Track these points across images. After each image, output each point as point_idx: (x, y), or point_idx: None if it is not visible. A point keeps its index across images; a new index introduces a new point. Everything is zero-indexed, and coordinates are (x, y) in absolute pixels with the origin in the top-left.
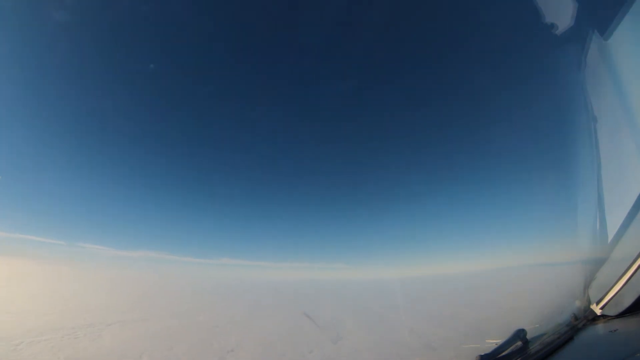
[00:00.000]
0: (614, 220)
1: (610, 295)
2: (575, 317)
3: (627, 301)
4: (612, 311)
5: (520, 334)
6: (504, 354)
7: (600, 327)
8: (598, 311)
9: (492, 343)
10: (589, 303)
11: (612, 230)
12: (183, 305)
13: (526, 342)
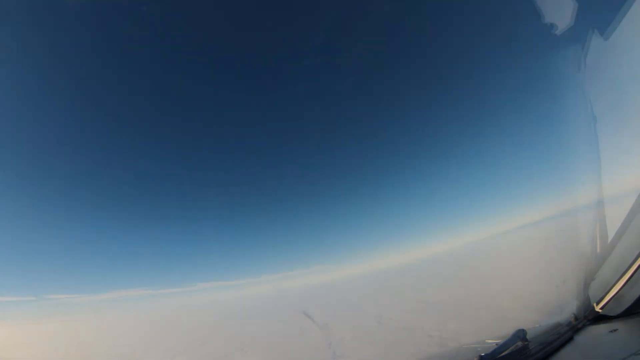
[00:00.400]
0: (614, 220)
1: (610, 295)
2: (575, 317)
3: (627, 301)
4: (612, 311)
5: (520, 334)
6: (504, 354)
7: (600, 327)
8: (598, 311)
9: (492, 343)
10: (589, 303)
11: (612, 230)
12: (156, 348)
13: (526, 342)
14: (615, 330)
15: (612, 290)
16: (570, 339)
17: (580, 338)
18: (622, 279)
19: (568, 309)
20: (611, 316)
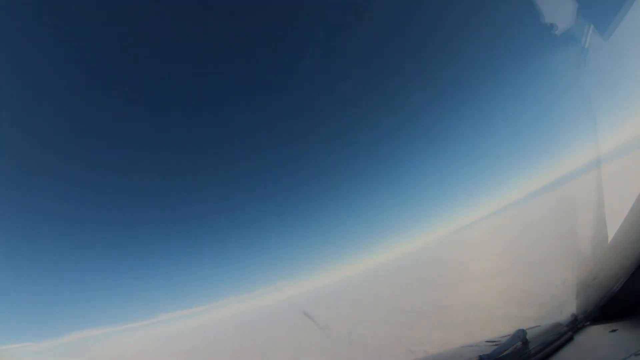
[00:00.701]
0: (614, 220)
1: (610, 295)
2: (575, 317)
3: (627, 301)
4: (612, 311)
5: (520, 334)
6: (504, 354)
7: (600, 327)
8: (598, 311)
9: (492, 343)
10: (589, 303)
11: (611, 230)
12: None
13: (526, 342)
14: (615, 330)
15: (612, 290)
16: (570, 339)
17: (580, 338)
18: (622, 279)
19: (568, 309)
20: (611, 316)
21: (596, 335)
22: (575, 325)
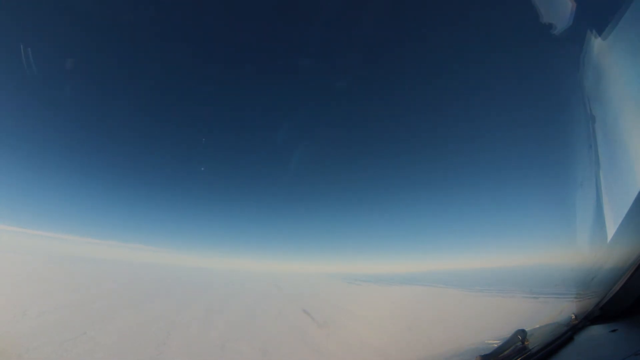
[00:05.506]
0: (613, 220)
1: (610, 295)
2: (575, 317)
3: (627, 301)
4: (612, 311)
5: (520, 334)
6: (504, 354)
7: (600, 327)
8: (598, 311)
9: (492, 343)
10: (589, 303)
11: (611, 230)
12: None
13: (526, 342)
14: (615, 330)
15: (612, 290)
16: (570, 339)
17: (580, 338)
18: (622, 279)
19: (568, 309)
20: (611, 316)
21: (596, 335)
22: (575, 325)
